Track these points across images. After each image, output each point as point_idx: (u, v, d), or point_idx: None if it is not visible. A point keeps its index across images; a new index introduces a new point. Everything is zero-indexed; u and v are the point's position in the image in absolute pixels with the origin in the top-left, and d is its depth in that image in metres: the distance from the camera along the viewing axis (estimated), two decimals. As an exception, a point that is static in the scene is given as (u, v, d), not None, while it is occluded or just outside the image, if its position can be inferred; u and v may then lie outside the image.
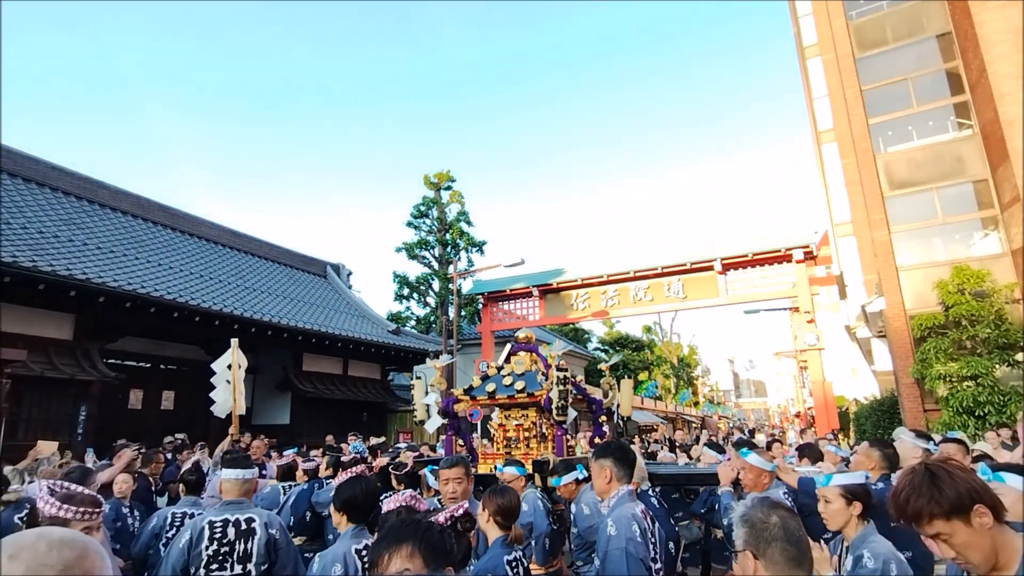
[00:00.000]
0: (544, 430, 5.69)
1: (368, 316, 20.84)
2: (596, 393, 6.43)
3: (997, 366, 10.88)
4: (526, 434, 5.67)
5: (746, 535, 1.60)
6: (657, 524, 3.02)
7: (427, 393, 6.41)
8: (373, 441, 11.45)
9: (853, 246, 17.30)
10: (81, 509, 2.16)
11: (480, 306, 21.66)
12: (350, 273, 23.92)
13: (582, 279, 19.11)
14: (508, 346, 6.35)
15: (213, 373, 7.40)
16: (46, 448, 7.35)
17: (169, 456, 7.88)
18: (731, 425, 45.92)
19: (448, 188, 24.06)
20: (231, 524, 3.31)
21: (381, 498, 4.58)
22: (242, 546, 3.29)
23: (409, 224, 23.61)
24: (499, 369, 6.04)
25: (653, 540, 2.87)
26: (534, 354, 6.03)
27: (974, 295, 11.50)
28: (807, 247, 16.29)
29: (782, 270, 16.76)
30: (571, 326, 33.92)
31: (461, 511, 2.23)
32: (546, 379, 5.43)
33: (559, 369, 5.16)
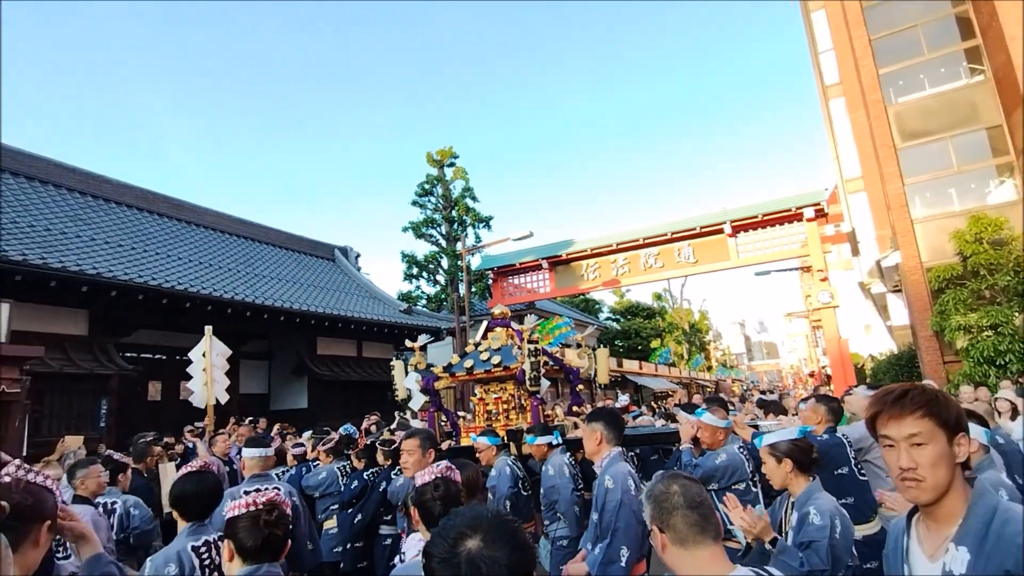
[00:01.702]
0: (522, 401, 5.95)
1: (379, 297, 20.85)
2: (573, 362, 6.59)
3: (1017, 314, 10.73)
4: (505, 406, 5.97)
5: (651, 511, 1.59)
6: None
7: (407, 374, 6.60)
8: (370, 420, 11.40)
9: (864, 201, 17.03)
10: None
11: (490, 281, 21.60)
12: (358, 255, 23.89)
13: (591, 249, 18.96)
14: (484, 323, 6.63)
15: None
16: (72, 442, 7.46)
17: (191, 445, 7.96)
18: (744, 388, 46.01)
19: (451, 165, 23.82)
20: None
21: (395, 472, 4.71)
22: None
23: (414, 203, 23.46)
24: (476, 345, 6.30)
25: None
26: (510, 329, 6.27)
27: (992, 244, 11.31)
28: (817, 204, 16.04)
29: (792, 229, 16.53)
30: (582, 297, 33.87)
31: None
32: (521, 352, 5.68)
33: (530, 342, 5.44)
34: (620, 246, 18.57)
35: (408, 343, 6.71)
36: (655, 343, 36.05)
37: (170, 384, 14.93)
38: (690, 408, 4.63)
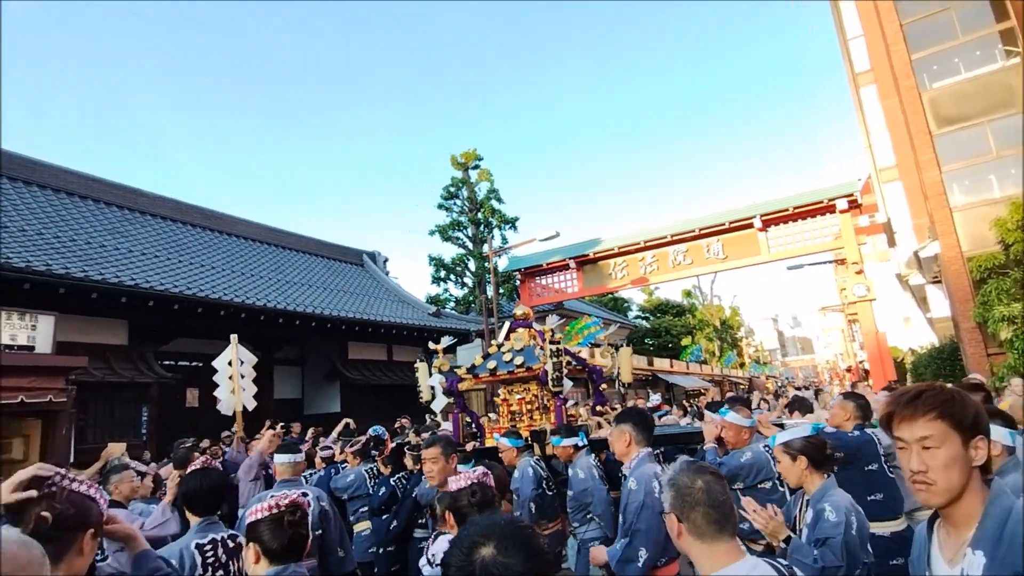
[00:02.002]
0: (545, 401, 5.94)
1: (408, 300, 21.03)
2: (596, 361, 6.59)
3: (1065, 303, 10.31)
4: (528, 407, 5.97)
5: (672, 499, 1.65)
6: None
7: (431, 375, 6.63)
8: (401, 423, 11.64)
9: (900, 191, 16.54)
10: None
11: (518, 282, 21.61)
12: (386, 259, 24.13)
13: (619, 247, 18.84)
14: (507, 324, 6.63)
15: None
16: (116, 449, 7.67)
17: (227, 449, 8.14)
18: (779, 384, 45.14)
19: (476, 167, 23.89)
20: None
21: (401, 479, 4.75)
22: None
23: (440, 206, 23.58)
24: (499, 347, 6.31)
25: None
26: (531, 330, 6.29)
27: (1036, 231, 10.88)
28: (850, 195, 15.66)
29: (825, 222, 16.18)
30: (610, 296, 33.65)
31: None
32: (543, 353, 5.68)
33: (552, 342, 5.41)
34: (648, 244, 18.41)
35: (431, 345, 6.73)
36: (686, 341, 35.60)
37: (207, 391, 15.18)
38: (715, 407, 4.58)
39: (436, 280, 23.51)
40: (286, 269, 18.22)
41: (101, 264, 11.49)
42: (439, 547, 3.10)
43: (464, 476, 2.31)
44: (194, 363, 15.21)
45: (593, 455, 4.48)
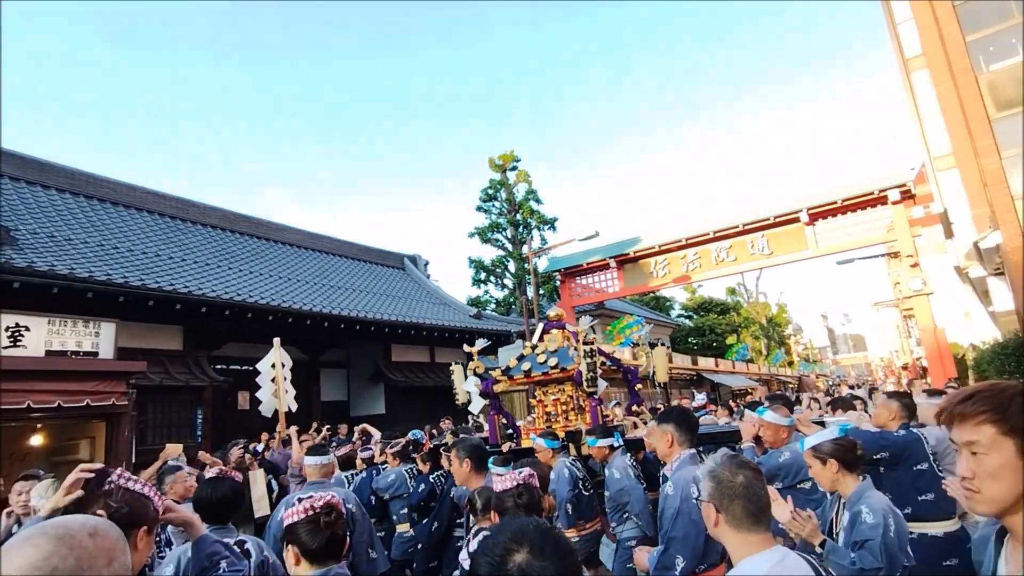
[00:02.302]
0: (580, 402, 5.94)
1: (449, 303, 21.21)
2: (629, 362, 6.52)
3: None
4: (564, 407, 5.98)
5: (712, 489, 1.72)
6: None
7: (467, 378, 6.63)
8: (444, 424, 11.79)
9: (956, 179, 15.82)
10: None
11: (558, 283, 21.56)
12: (427, 263, 24.39)
13: (660, 245, 18.59)
14: (540, 325, 6.65)
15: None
16: (173, 450, 7.97)
17: (272, 454, 8.32)
18: (830, 383, 43.75)
19: (514, 168, 23.95)
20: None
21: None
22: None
23: (479, 208, 23.72)
24: (533, 348, 6.32)
25: None
26: (565, 330, 6.29)
27: (1108, 217, 10.26)
28: (903, 186, 15.07)
29: (876, 214, 15.61)
30: (652, 295, 33.24)
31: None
32: (577, 353, 5.68)
33: (585, 343, 5.42)
34: (690, 241, 18.11)
35: (466, 348, 6.72)
36: (731, 339, 34.88)
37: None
38: (754, 406, 4.51)
39: (476, 282, 23.65)
40: (330, 274, 18.62)
41: (157, 273, 11.96)
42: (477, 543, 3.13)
43: (509, 477, 2.32)
44: (244, 367, 15.65)
45: (629, 455, 4.47)
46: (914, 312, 18.86)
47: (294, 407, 9.40)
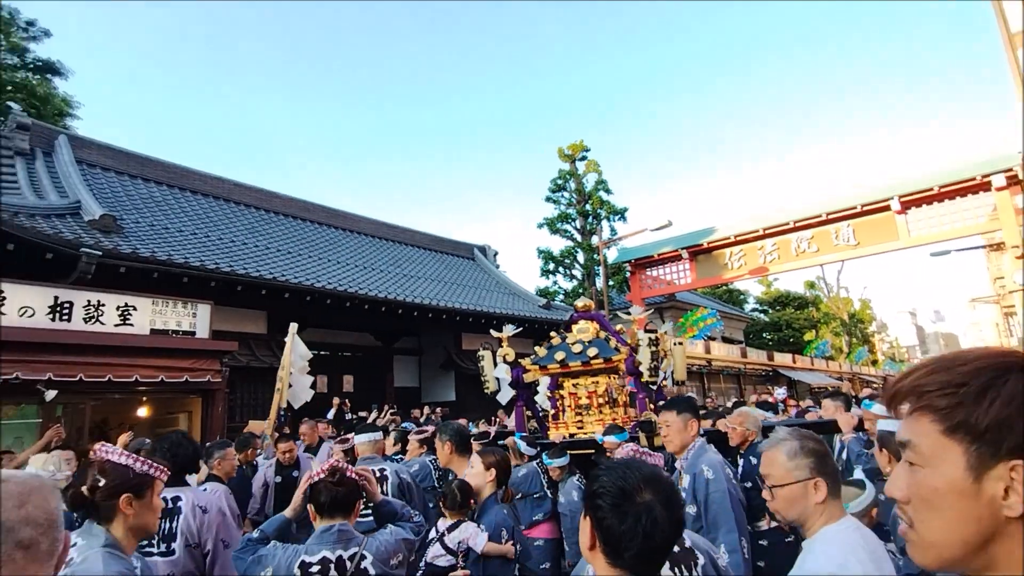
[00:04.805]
0: (615, 394, 5.71)
1: (518, 293, 21.31)
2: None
3: None
4: (600, 400, 5.72)
5: (815, 464, 1.74)
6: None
7: (496, 365, 6.44)
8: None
9: (1072, 163, 14.48)
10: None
11: (628, 274, 21.24)
12: (496, 253, 24.57)
13: (735, 235, 17.94)
14: (569, 315, 6.41)
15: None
16: (256, 427, 8.41)
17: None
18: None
19: (583, 158, 23.75)
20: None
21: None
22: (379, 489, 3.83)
23: (548, 199, 23.68)
24: (563, 338, 6.08)
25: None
26: (597, 322, 6.03)
27: None
28: (1009, 170, 13.89)
29: (977, 201, 14.48)
30: (724, 287, 32.25)
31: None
32: (623, 344, 5.50)
33: (647, 330, 5.21)
34: (768, 231, 17.38)
35: (493, 332, 6.47)
36: (809, 335, 33.41)
37: (334, 378, 16.32)
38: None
39: (545, 273, 23.66)
40: (403, 263, 19.07)
41: (244, 260, 12.60)
42: (464, 534, 3.16)
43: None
44: (322, 352, 16.31)
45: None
46: (1016, 309, 17.46)
47: (308, 397, 8.49)
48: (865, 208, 15.57)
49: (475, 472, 3.43)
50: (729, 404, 10.78)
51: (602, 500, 1.28)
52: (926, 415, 0.78)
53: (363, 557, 2.25)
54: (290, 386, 7.88)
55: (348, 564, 2.22)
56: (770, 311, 36.82)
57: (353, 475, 2.45)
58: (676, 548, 2.01)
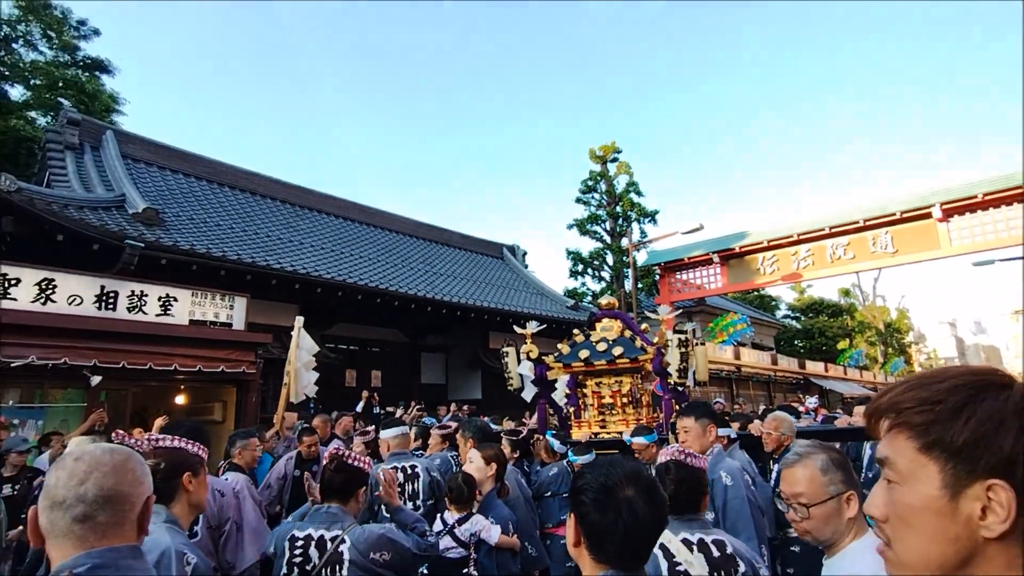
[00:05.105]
0: (638, 394, 5.64)
1: (547, 293, 21.33)
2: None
3: None
4: (624, 399, 5.65)
5: (846, 477, 1.69)
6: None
7: (520, 362, 6.36)
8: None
9: None
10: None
11: (657, 277, 21.07)
12: (525, 253, 24.62)
13: (768, 241, 17.65)
14: (591, 314, 6.32)
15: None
16: (290, 419, 8.61)
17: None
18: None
19: (615, 160, 23.65)
20: (400, 470, 3.97)
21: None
22: (410, 487, 3.95)
23: (578, 200, 23.64)
24: (586, 336, 6.00)
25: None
26: (621, 320, 5.95)
27: None
28: (1059, 178, 13.43)
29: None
30: (755, 292, 31.75)
31: None
32: (649, 344, 5.45)
33: (677, 331, 5.13)
34: (802, 236, 17.07)
35: (517, 328, 6.38)
36: (842, 344, 32.70)
37: (363, 372, 16.57)
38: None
39: (574, 274, 23.64)
40: (433, 261, 19.25)
41: (279, 254, 12.88)
42: (476, 527, 3.22)
43: (666, 452, 2.32)
44: (351, 346, 16.58)
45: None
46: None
47: (312, 392, 8.03)
48: (905, 215, 15.20)
49: (476, 466, 3.47)
50: (759, 411, 10.66)
51: (585, 496, 1.31)
52: (903, 432, 0.77)
53: (343, 541, 2.39)
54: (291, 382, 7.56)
55: (328, 544, 2.38)
56: (802, 318, 36.15)
57: (356, 464, 2.62)
58: (716, 553, 2.02)
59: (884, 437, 0.81)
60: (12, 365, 6.41)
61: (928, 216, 14.89)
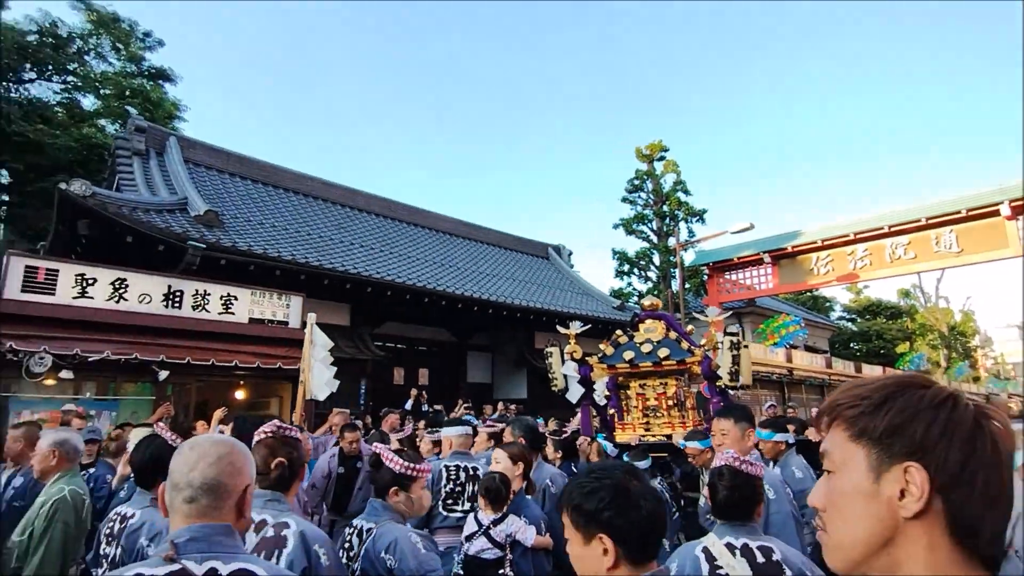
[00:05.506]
0: (683, 397, 5.56)
1: (592, 294, 21.25)
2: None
3: None
4: (669, 402, 5.54)
5: None
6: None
7: (564, 363, 6.21)
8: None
9: None
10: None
11: (705, 277, 20.71)
12: (570, 253, 24.58)
13: (823, 240, 17.13)
14: (633, 315, 6.17)
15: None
16: (339, 417, 8.87)
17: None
18: (1027, 404, 37.81)
19: (661, 159, 23.32)
20: (461, 469, 4.02)
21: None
22: (471, 487, 3.93)
23: (624, 199, 23.43)
24: (630, 337, 5.86)
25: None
26: (665, 321, 5.82)
27: None
28: None
29: (1103, 207, 13.22)
30: (808, 293, 30.82)
31: None
32: (695, 346, 5.38)
33: (728, 333, 5.09)
34: (859, 236, 16.50)
35: (560, 328, 6.26)
36: (902, 347, 31.41)
37: (411, 370, 16.88)
38: None
39: (620, 274, 23.43)
40: (479, 261, 19.44)
41: (330, 255, 13.26)
42: (511, 528, 3.22)
43: (722, 457, 2.33)
44: (399, 345, 16.91)
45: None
46: None
47: (334, 387, 8.08)
48: (971, 213, 14.51)
49: (504, 466, 3.45)
50: (813, 416, 10.35)
51: (607, 511, 1.36)
52: (840, 425, 0.86)
53: (370, 532, 2.47)
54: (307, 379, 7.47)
55: (365, 535, 2.49)
56: (859, 320, 34.87)
57: (390, 463, 2.61)
58: (761, 559, 2.00)
59: (825, 433, 0.90)
60: (90, 360, 6.83)
61: (996, 214, 14.19)
